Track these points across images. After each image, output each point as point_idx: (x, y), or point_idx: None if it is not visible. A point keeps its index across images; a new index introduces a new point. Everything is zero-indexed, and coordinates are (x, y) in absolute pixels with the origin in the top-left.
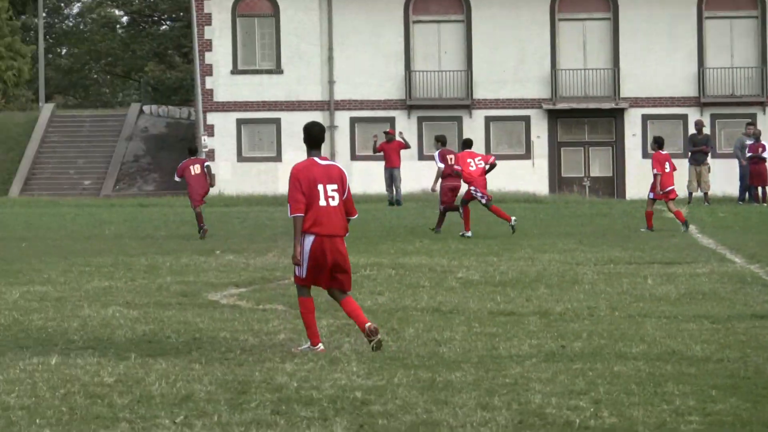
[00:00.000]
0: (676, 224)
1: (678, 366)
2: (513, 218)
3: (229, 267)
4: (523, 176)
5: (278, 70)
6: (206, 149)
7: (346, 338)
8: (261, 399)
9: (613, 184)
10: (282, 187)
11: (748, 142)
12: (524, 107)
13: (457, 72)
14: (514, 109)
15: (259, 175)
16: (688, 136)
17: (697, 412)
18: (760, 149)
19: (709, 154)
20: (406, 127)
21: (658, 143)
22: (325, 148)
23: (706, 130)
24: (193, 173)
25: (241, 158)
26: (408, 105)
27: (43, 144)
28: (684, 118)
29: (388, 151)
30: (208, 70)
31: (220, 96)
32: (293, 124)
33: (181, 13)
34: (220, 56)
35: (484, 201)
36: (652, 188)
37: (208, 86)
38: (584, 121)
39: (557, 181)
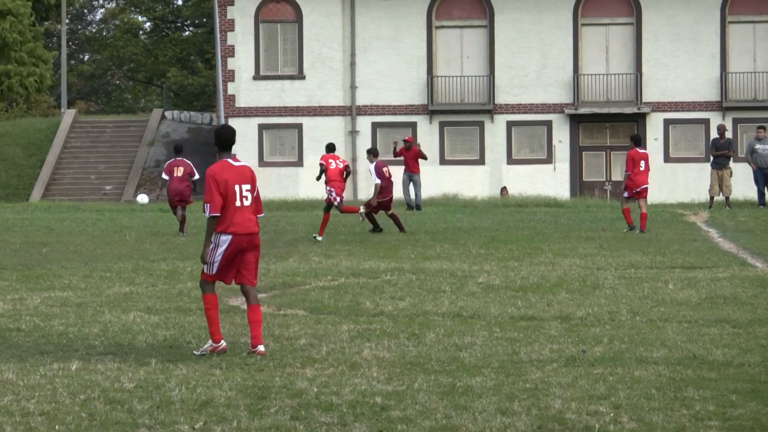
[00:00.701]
0: (696, 228)
1: (698, 370)
2: (360, 209)
3: None
4: (544, 180)
5: (300, 75)
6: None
7: (366, 343)
8: (281, 404)
9: None
10: (303, 192)
11: (759, 146)
12: (546, 112)
13: (479, 77)
14: (536, 114)
15: (280, 180)
16: (711, 141)
17: (717, 417)
18: None
19: (732, 159)
20: (427, 132)
21: (635, 141)
22: (347, 153)
23: (728, 134)
24: (175, 174)
25: (262, 163)
26: (430, 110)
27: (65, 149)
28: (706, 122)
29: (407, 158)
30: (230, 76)
31: (242, 101)
32: (315, 130)
33: (204, 19)
34: (242, 62)
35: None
36: (625, 186)
37: (230, 92)
38: (606, 126)
39: (579, 185)
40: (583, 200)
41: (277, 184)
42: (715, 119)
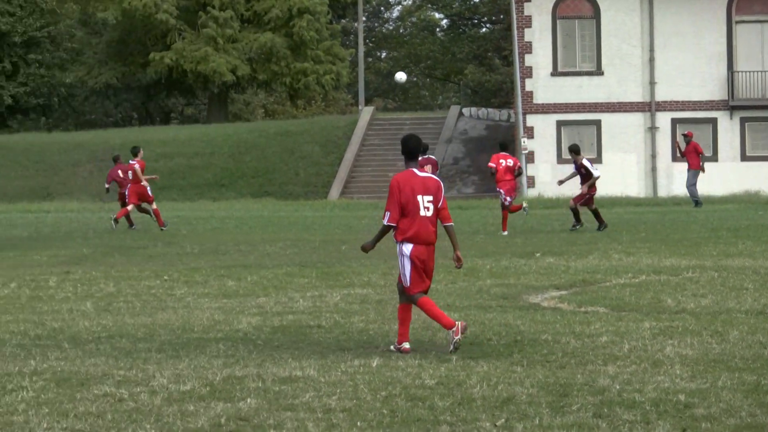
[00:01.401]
0: None
1: None
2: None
3: (549, 269)
4: None
5: (599, 71)
6: (525, 151)
7: (669, 341)
8: (583, 402)
9: None
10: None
11: None
12: None
13: None
14: None
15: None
16: None
17: None
18: None
19: None
20: (728, 128)
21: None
22: (646, 149)
23: None
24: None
25: (561, 160)
26: (730, 106)
27: (363, 147)
28: None
29: (685, 154)
30: (528, 72)
31: (539, 98)
32: (614, 126)
33: (501, 16)
34: (540, 58)
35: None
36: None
37: (527, 88)
38: None
39: None
40: None
41: (576, 181)
42: None
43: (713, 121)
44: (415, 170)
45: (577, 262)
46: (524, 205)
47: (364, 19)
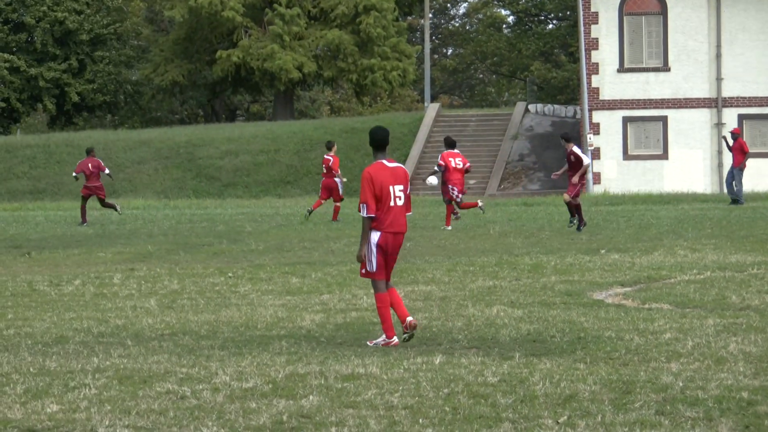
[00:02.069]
0: None
1: None
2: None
3: (614, 266)
4: None
5: (665, 67)
6: (592, 147)
7: (733, 338)
8: (645, 399)
9: None
10: (668, 185)
11: None
12: None
13: None
14: None
15: (645, 173)
16: None
17: None
18: None
19: None
20: None
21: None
22: (712, 145)
23: None
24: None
25: (626, 156)
26: None
27: (428, 143)
28: None
29: (733, 151)
30: (594, 69)
31: (606, 94)
32: (680, 122)
33: (568, 12)
34: (606, 54)
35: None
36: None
37: (594, 85)
38: None
39: None
40: None
41: (642, 178)
42: None
43: None
44: (384, 161)
45: (641, 258)
46: (480, 203)
47: (430, 15)
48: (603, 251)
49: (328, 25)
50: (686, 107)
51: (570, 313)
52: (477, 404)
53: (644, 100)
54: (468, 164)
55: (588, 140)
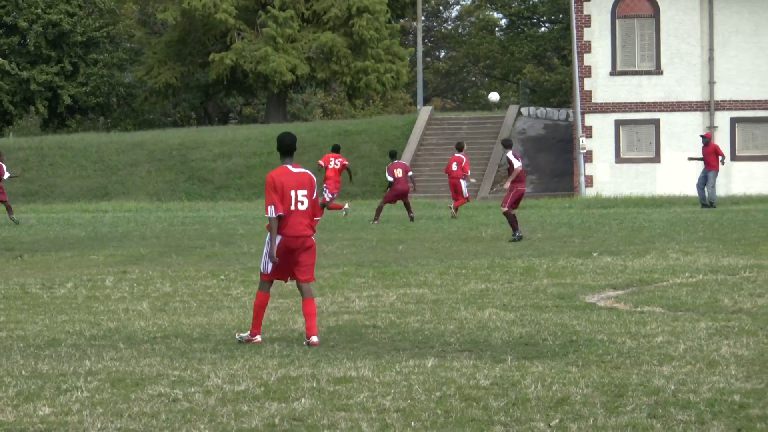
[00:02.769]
0: None
1: None
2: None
3: (606, 269)
4: None
5: (658, 71)
6: (584, 150)
7: (725, 341)
8: (637, 402)
9: None
10: (660, 188)
11: None
12: None
13: None
14: None
15: (638, 176)
16: None
17: None
18: None
19: None
20: None
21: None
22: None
23: None
24: (396, 175)
25: (619, 159)
26: None
27: (421, 146)
28: None
29: (704, 154)
30: (586, 72)
31: (598, 97)
32: (673, 125)
33: (560, 15)
34: (599, 57)
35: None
36: None
37: (586, 88)
38: None
39: None
40: None
41: (634, 181)
42: None
43: None
44: (289, 167)
45: (634, 261)
46: (345, 206)
47: (423, 18)
48: (595, 254)
49: (321, 28)
50: (679, 110)
51: (562, 316)
52: (469, 407)
53: (637, 103)
54: (346, 163)
55: (581, 143)
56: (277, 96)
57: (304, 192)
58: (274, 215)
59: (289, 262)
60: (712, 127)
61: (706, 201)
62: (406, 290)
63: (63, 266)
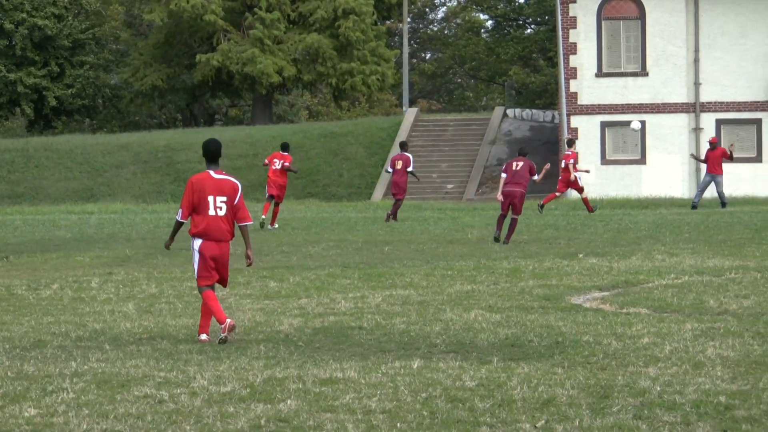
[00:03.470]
0: None
1: None
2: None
3: (592, 270)
4: None
5: (643, 72)
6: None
7: (710, 342)
8: (623, 403)
9: None
10: (646, 190)
11: None
12: None
13: None
14: None
15: (623, 177)
16: None
17: None
18: None
19: None
20: None
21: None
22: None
23: None
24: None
25: (604, 161)
26: None
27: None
28: None
29: (711, 158)
30: (572, 73)
31: (584, 99)
32: (658, 127)
33: (546, 17)
34: (585, 59)
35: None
36: None
37: (572, 89)
38: None
39: None
40: None
41: (620, 182)
42: None
43: (758, 122)
44: (211, 172)
45: (620, 263)
46: (271, 223)
47: (409, 20)
48: (581, 255)
49: (307, 29)
50: (664, 112)
51: (548, 317)
52: (455, 408)
53: (622, 104)
54: (288, 165)
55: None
56: (263, 98)
57: (224, 198)
58: (178, 218)
59: (209, 263)
60: (697, 129)
61: (697, 204)
62: (392, 292)
63: (49, 268)
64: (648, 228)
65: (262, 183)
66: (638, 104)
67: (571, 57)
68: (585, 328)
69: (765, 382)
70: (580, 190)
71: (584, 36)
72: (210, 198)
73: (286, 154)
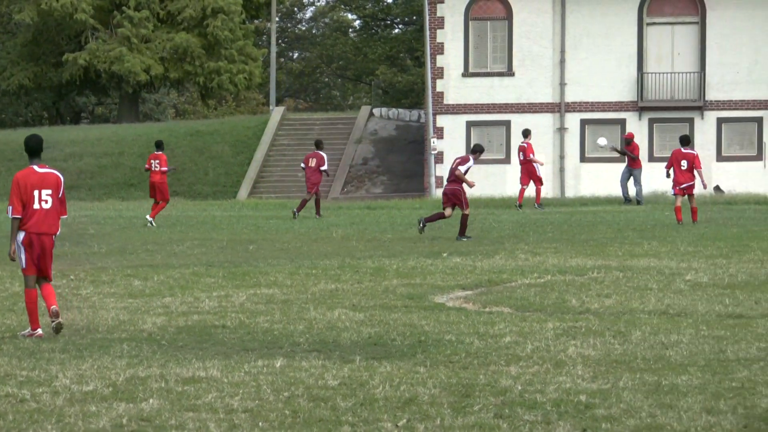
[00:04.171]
0: None
1: None
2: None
3: (455, 269)
4: (754, 177)
5: (509, 72)
6: (435, 151)
7: (572, 341)
8: (484, 402)
9: None
10: (510, 190)
11: None
12: (757, 108)
13: (689, 74)
14: (747, 111)
15: (488, 177)
16: None
17: None
18: None
19: None
20: (636, 129)
21: (682, 141)
22: (555, 150)
23: None
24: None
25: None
26: (639, 107)
27: (273, 147)
28: None
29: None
30: (439, 73)
31: (450, 98)
32: (524, 127)
33: (414, 17)
34: (451, 59)
35: None
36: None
37: (438, 89)
38: None
39: None
40: None
41: (485, 182)
42: None
43: (622, 122)
44: (35, 167)
45: (483, 262)
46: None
47: (277, 19)
48: (445, 255)
49: (176, 28)
50: (530, 112)
51: (411, 316)
52: (317, 407)
53: (488, 104)
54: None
55: (432, 144)
56: (129, 96)
57: (48, 191)
58: (10, 215)
59: (36, 256)
60: (562, 129)
61: (629, 197)
62: (256, 290)
63: None
64: (511, 227)
65: (127, 181)
66: (504, 104)
67: (438, 57)
68: (448, 327)
69: (625, 381)
70: (539, 180)
71: (451, 36)
72: (35, 192)
73: (159, 152)
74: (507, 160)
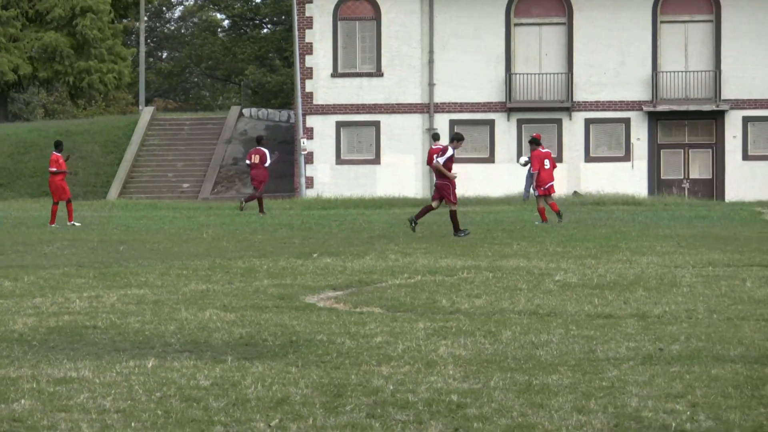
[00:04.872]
0: None
1: None
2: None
3: (326, 270)
4: (622, 178)
5: (378, 73)
6: (305, 152)
7: (443, 341)
8: (356, 402)
9: (713, 186)
10: (380, 190)
11: None
12: (625, 109)
13: (557, 74)
14: (615, 112)
15: (358, 177)
16: None
17: None
18: None
19: None
20: (505, 129)
21: (535, 143)
22: (423, 151)
23: None
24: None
25: (339, 161)
26: (508, 108)
27: (143, 147)
28: None
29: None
30: (308, 73)
31: (320, 99)
32: (393, 127)
33: (283, 17)
34: (320, 59)
35: None
36: (536, 185)
37: (308, 89)
38: (684, 123)
39: (656, 183)
40: (661, 198)
41: (355, 182)
42: None
43: (491, 123)
44: None
45: (353, 262)
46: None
47: (146, 18)
48: (315, 255)
49: (45, 27)
50: (398, 112)
51: (282, 316)
52: (189, 408)
53: (357, 105)
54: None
55: (301, 144)
56: None
57: None
58: None
59: None
60: (431, 129)
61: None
62: (127, 291)
63: None
64: (381, 228)
65: None
66: (373, 104)
67: (307, 57)
68: (319, 327)
69: (496, 380)
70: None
71: (320, 36)
72: None
73: (56, 153)
74: (377, 160)
